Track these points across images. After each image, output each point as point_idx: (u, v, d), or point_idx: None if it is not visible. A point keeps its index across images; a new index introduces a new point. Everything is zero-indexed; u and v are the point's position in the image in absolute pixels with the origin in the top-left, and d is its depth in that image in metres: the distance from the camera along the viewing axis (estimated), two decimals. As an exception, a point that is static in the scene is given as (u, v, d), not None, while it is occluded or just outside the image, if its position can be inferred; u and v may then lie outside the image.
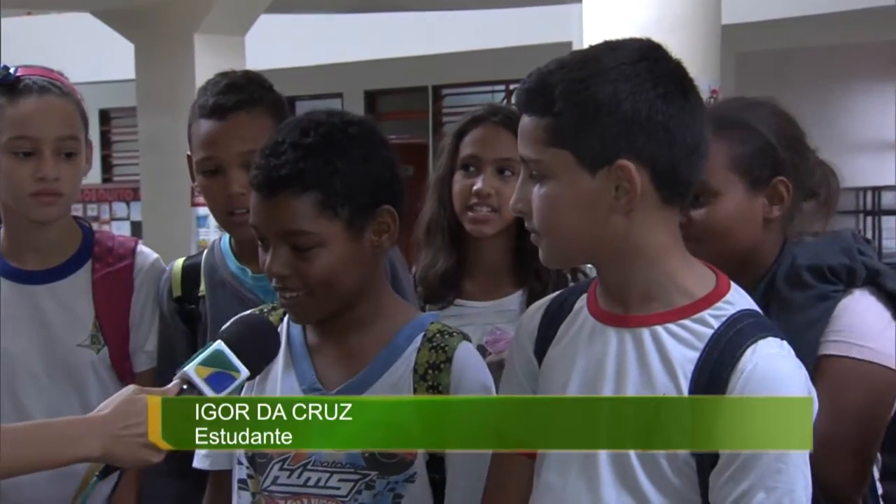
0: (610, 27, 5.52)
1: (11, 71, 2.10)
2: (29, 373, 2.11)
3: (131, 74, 8.49)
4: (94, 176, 13.87)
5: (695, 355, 1.47)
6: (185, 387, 1.60)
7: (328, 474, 1.68)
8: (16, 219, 2.14)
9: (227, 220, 2.10)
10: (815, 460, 1.72)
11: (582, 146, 1.46)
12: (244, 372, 1.63)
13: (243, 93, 2.08)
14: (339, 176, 1.65)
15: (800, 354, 1.76)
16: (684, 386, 1.46)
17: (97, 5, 8.59)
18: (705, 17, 5.74)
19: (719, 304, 1.50)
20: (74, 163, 2.11)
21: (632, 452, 1.47)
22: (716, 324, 1.48)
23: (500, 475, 1.63)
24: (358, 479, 1.67)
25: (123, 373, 2.16)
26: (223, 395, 1.61)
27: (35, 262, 2.15)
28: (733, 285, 1.55)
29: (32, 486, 2.05)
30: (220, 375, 1.61)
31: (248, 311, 1.83)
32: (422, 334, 1.72)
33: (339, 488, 1.67)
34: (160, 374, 2.14)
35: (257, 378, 1.73)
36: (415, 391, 1.67)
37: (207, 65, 7.76)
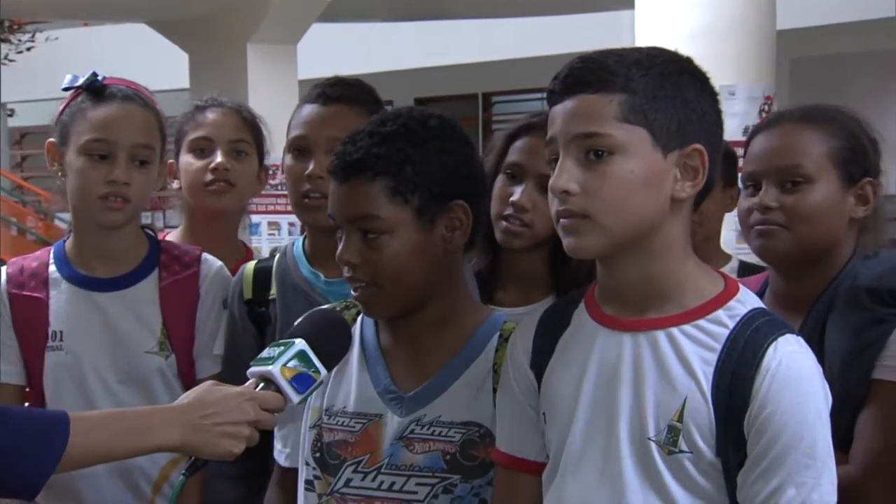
0: (662, 33, 5.48)
1: (99, 77, 2.15)
2: (100, 378, 2.13)
3: (185, 83, 8.59)
4: (148, 184, 14.01)
5: (713, 356, 1.46)
6: (261, 384, 1.59)
7: (405, 478, 1.67)
8: (85, 225, 2.16)
9: (300, 202, 2.12)
10: (859, 485, 1.71)
11: (659, 125, 1.47)
12: (324, 373, 1.62)
13: (350, 89, 2.14)
14: (411, 164, 1.66)
15: (852, 377, 1.76)
16: (706, 387, 1.46)
17: (152, 16, 8.71)
18: (759, 22, 5.68)
19: (731, 303, 1.50)
20: (147, 172, 2.14)
21: (657, 456, 1.47)
22: (731, 323, 1.48)
23: (506, 495, 1.62)
24: (436, 483, 1.66)
25: (189, 380, 2.17)
26: (304, 396, 1.60)
27: (103, 270, 2.17)
28: (741, 286, 1.55)
29: (91, 484, 2.07)
30: (303, 377, 1.59)
31: (321, 307, 1.83)
32: (497, 334, 1.72)
33: (415, 492, 1.66)
34: (226, 376, 2.14)
35: (331, 380, 1.74)
36: (495, 391, 1.67)
37: (260, 73, 7.85)
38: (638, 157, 1.46)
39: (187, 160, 2.55)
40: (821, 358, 1.75)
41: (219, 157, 2.52)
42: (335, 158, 1.70)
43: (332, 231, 2.11)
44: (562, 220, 1.49)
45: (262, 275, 2.19)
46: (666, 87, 1.47)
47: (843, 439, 1.74)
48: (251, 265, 2.22)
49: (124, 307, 2.16)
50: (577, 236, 1.48)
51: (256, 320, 2.17)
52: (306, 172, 2.09)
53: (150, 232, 2.26)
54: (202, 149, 2.54)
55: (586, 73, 1.48)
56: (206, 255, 2.26)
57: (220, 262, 2.27)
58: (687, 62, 1.53)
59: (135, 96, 2.15)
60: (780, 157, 1.85)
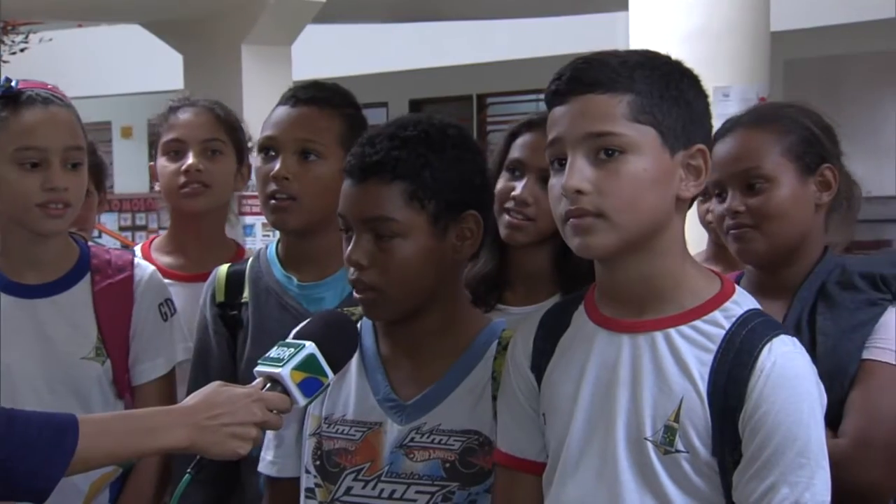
0: (656, 34, 5.49)
1: (13, 84, 2.08)
2: (31, 388, 2.06)
3: (180, 85, 8.59)
4: (142, 185, 14.01)
5: (708, 357, 1.48)
6: (268, 385, 1.59)
7: (405, 486, 1.67)
8: (15, 232, 2.10)
9: (266, 203, 2.10)
10: (849, 458, 1.75)
11: (667, 125, 1.49)
12: (331, 377, 1.61)
13: (322, 92, 2.12)
14: (430, 169, 1.66)
15: (844, 353, 1.82)
16: (702, 387, 1.47)
17: (147, 17, 8.71)
18: (753, 24, 5.68)
19: (727, 304, 1.52)
20: (79, 174, 2.08)
21: (653, 456, 1.48)
22: (726, 324, 1.50)
23: (507, 495, 1.63)
24: (435, 491, 1.66)
25: (123, 386, 2.13)
26: (310, 399, 1.60)
27: (34, 276, 2.11)
28: (737, 286, 1.56)
29: None
30: (311, 381, 1.59)
31: (330, 310, 1.83)
32: (496, 342, 1.72)
33: (415, 500, 1.66)
34: (193, 381, 2.14)
35: (330, 388, 1.72)
36: (494, 399, 1.67)
37: (255, 75, 7.85)
38: (649, 157, 1.48)
39: (162, 163, 2.52)
40: (812, 340, 1.83)
41: (190, 159, 2.48)
42: (351, 158, 1.70)
43: (301, 234, 2.11)
44: (572, 219, 1.49)
45: (234, 278, 2.18)
46: (670, 89, 1.50)
47: (832, 416, 1.76)
48: (224, 268, 2.21)
49: (57, 313, 2.11)
50: (589, 236, 1.49)
51: (228, 323, 2.16)
52: (272, 173, 2.07)
53: (78, 237, 2.22)
54: (175, 151, 2.50)
55: (592, 74, 1.49)
56: (138, 260, 2.23)
57: (152, 268, 2.25)
58: (681, 65, 1.55)
59: (53, 98, 2.08)
60: (739, 162, 1.91)
